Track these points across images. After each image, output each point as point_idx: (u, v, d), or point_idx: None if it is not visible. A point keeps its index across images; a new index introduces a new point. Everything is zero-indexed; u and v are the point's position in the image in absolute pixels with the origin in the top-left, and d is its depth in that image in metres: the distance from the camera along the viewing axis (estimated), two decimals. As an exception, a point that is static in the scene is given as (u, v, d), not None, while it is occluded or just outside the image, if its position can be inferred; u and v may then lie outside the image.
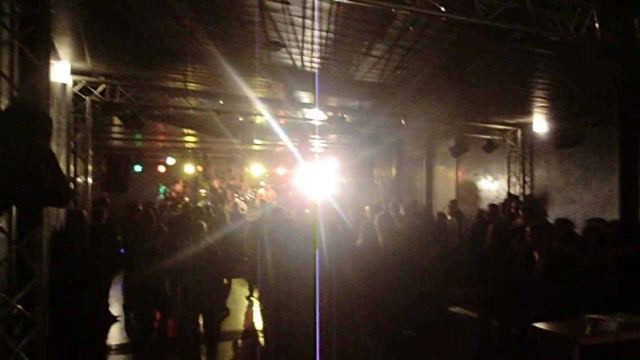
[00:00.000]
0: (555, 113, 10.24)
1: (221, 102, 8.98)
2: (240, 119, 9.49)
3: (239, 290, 8.85)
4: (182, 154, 15.48)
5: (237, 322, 7.64)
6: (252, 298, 8.59)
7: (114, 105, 8.38)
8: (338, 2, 4.84)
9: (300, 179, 13.12)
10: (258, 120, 10.35)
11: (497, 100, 9.38)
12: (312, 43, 6.14)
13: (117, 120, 9.95)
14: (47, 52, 3.27)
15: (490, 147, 11.74)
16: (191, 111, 9.43)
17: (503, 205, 10.72)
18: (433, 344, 6.18)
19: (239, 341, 6.94)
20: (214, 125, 10.10)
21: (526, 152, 11.79)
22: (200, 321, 6.15)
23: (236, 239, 8.35)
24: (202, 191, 14.91)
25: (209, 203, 9.24)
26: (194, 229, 6.18)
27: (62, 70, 6.52)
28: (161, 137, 13.86)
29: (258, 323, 7.42)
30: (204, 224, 6.41)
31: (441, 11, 4.67)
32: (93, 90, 7.98)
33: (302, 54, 6.58)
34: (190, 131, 12.59)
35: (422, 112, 10.88)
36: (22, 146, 2.78)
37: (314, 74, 7.43)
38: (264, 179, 16.40)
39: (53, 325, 4.10)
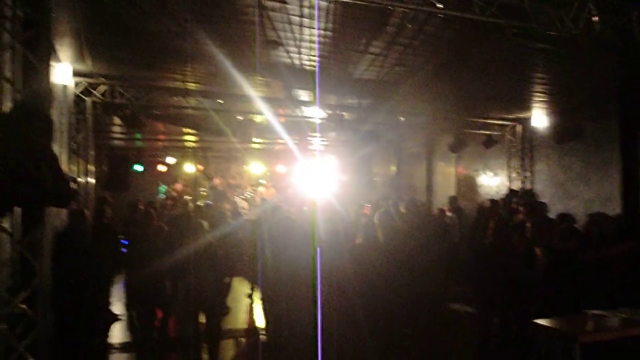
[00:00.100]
0: (555, 107, 10.20)
1: (220, 101, 9.02)
2: (239, 117, 9.52)
3: (240, 289, 8.90)
4: (182, 153, 15.53)
5: (238, 320, 7.68)
6: (252, 296, 8.64)
7: (114, 106, 8.45)
8: (335, 1, 4.86)
9: (300, 176, 13.14)
10: (257, 118, 10.38)
11: (496, 95, 9.38)
12: (310, 41, 6.17)
13: (117, 121, 10.00)
14: (47, 54, 3.32)
15: (489, 142, 11.72)
16: (190, 110, 9.47)
17: (503, 201, 10.65)
18: (433, 341, 6.17)
19: (240, 340, 6.98)
20: (213, 124, 10.14)
21: (526, 147, 11.74)
22: (201, 320, 6.19)
23: (236, 237, 8.39)
24: (202, 190, 14.93)
25: (209, 202, 9.25)
26: (194, 228, 6.22)
27: (63, 72, 6.58)
28: (161, 137, 13.90)
29: (259, 321, 7.46)
30: (204, 223, 6.46)
31: (438, 8, 4.71)
32: (93, 91, 8.06)
33: (300, 53, 6.62)
34: (189, 130, 12.63)
35: (421, 108, 10.89)
36: (24, 147, 2.83)
37: (312, 72, 7.46)
38: (264, 177, 16.43)
39: (55, 324, 4.15)
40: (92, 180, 8.67)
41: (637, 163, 7.10)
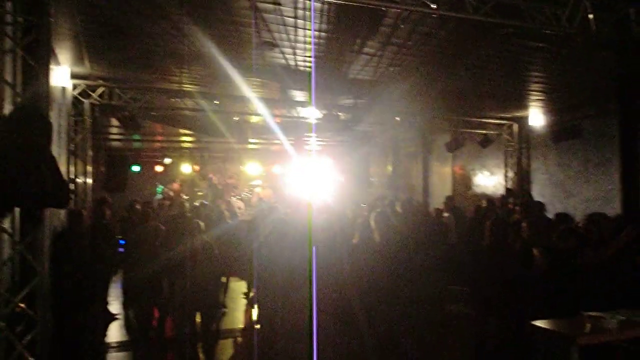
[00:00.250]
0: (552, 106, 10.13)
1: (216, 102, 9.09)
2: (236, 118, 9.58)
3: (237, 288, 8.96)
4: (179, 153, 15.59)
5: (234, 319, 7.73)
6: (249, 296, 8.69)
7: (112, 108, 8.53)
8: (329, 2, 4.92)
9: (297, 177, 13.20)
10: (254, 119, 10.45)
11: (492, 94, 9.37)
12: (305, 42, 6.22)
13: (116, 122, 10.07)
14: (47, 58, 3.39)
15: (486, 142, 11.67)
16: (187, 112, 9.54)
17: (500, 201, 10.62)
18: (430, 342, 6.16)
19: (236, 339, 7.03)
20: (210, 125, 10.20)
21: (523, 146, 11.70)
22: (198, 319, 6.26)
23: (233, 237, 8.44)
24: (198, 190, 15.00)
25: (205, 202, 9.31)
26: (191, 228, 6.28)
27: (62, 75, 6.68)
28: (158, 138, 13.96)
29: (255, 321, 7.52)
30: (201, 223, 6.53)
31: (431, 8, 4.72)
32: (92, 93, 8.13)
33: (295, 54, 6.68)
34: (186, 131, 12.69)
35: (417, 108, 10.93)
36: (24, 149, 2.90)
37: (308, 72, 7.52)
38: (261, 178, 16.50)
39: (54, 323, 4.22)
40: (90, 181, 8.73)
41: (638, 161, 6.99)
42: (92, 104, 8.27)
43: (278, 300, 6.35)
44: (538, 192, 11.12)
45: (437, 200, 13.43)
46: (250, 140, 12.18)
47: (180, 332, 6.36)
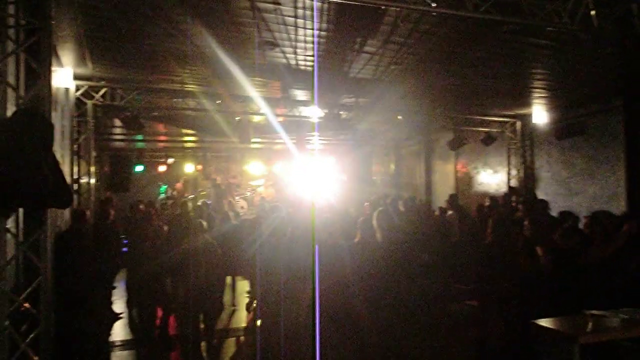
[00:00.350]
0: (556, 103, 10.05)
1: (218, 102, 9.12)
2: (238, 118, 9.62)
3: (240, 287, 8.99)
4: (182, 153, 15.67)
5: (238, 318, 7.76)
6: (251, 295, 8.71)
7: (114, 108, 8.58)
8: (329, 1, 4.93)
9: (299, 176, 13.23)
10: (256, 118, 10.48)
11: (495, 92, 9.31)
12: (306, 41, 6.23)
13: (119, 122, 10.14)
14: (48, 60, 3.42)
15: (488, 139, 11.63)
16: (189, 111, 9.58)
17: (504, 199, 10.55)
18: (432, 341, 6.15)
19: (239, 338, 7.07)
20: (212, 124, 10.24)
21: (526, 144, 11.65)
22: (201, 318, 6.29)
23: (236, 236, 8.47)
24: (201, 190, 15.07)
25: (208, 201, 9.38)
26: (194, 228, 6.31)
27: (65, 76, 6.74)
28: (161, 138, 14.03)
29: (257, 320, 7.54)
30: (204, 222, 6.56)
31: (431, 6, 4.70)
32: (94, 94, 8.19)
33: (295, 53, 6.70)
34: (189, 131, 12.75)
35: (419, 106, 10.93)
36: (26, 151, 2.94)
37: (309, 71, 7.53)
38: (263, 177, 16.56)
39: (59, 322, 4.27)
40: (93, 181, 8.80)
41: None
42: (94, 105, 8.33)
43: (281, 300, 6.36)
44: (541, 190, 11.05)
45: (440, 198, 13.42)
46: (253, 139, 12.20)
47: (183, 331, 6.39)
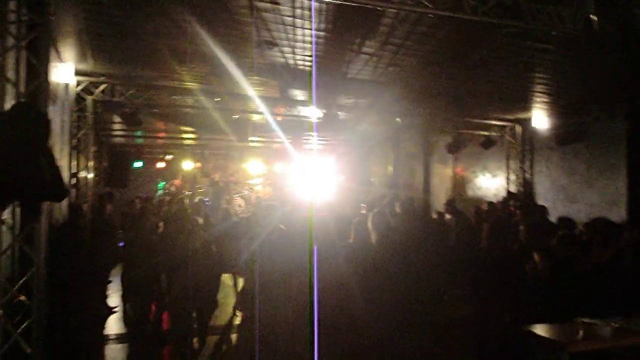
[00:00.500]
0: (557, 108, 9.97)
1: (217, 99, 9.17)
2: (236, 116, 9.67)
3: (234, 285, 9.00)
4: (181, 150, 15.73)
5: (231, 316, 7.77)
6: (239, 290, 8.71)
7: (114, 104, 8.64)
8: (327, 2, 4.96)
9: (297, 176, 13.27)
10: (255, 117, 10.53)
11: (494, 95, 9.28)
12: (304, 41, 6.26)
13: (118, 118, 10.19)
14: (47, 56, 3.48)
15: (487, 143, 11.58)
16: (188, 109, 9.63)
17: (502, 203, 10.46)
18: (428, 344, 6.19)
19: (232, 335, 7.10)
20: (211, 122, 10.29)
21: (526, 148, 11.57)
22: (194, 314, 6.34)
23: (232, 234, 8.51)
24: (199, 187, 15.12)
25: (206, 199, 9.43)
26: (189, 225, 6.37)
27: (66, 72, 6.80)
28: (160, 134, 14.08)
29: (249, 317, 7.56)
30: (199, 220, 6.62)
31: (428, 8, 4.70)
32: (95, 89, 8.24)
33: (294, 53, 6.74)
34: (188, 128, 12.80)
35: (418, 109, 10.93)
36: (22, 145, 3.00)
37: (307, 71, 7.56)
38: (261, 176, 16.61)
39: (53, 314, 4.31)
40: (91, 176, 8.85)
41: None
42: (94, 100, 8.38)
43: (278, 299, 6.38)
44: (540, 196, 10.98)
45: (438, 201, 13.43)
46: (251, 138, 12.24)
47: (177, 327, 6.44)
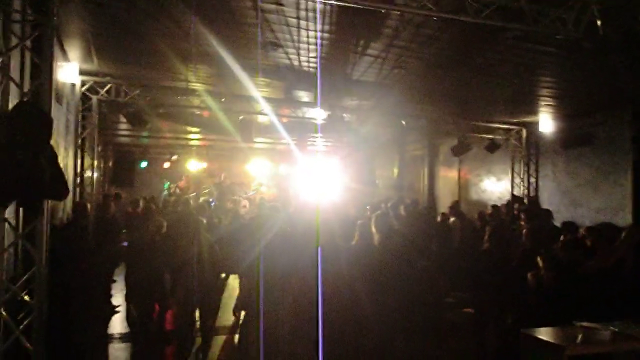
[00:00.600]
0: (563, 111, 9.93)
1: (223, 99, 9.19)
2: (240, 117, 9.69)
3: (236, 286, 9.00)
4: (186, 150, 15.79)
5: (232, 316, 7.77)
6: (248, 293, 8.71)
7: (118, 104, 8.68)
8: (330, 4, 4.95)
9: (302, 177, 13.28)
10: (260, 118, 10.54)
11: (500, 98, 9.26)
12: (308, 43, 6.27)
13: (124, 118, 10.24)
14: (50, 55, 3.49)
15: (492, 147, 11.54)
16: (193, 109, 9.67)
17: (506, 207, 10.48)
18: (429, 347, 6.17)
19: (235, 336, 7.09)
20: (215, 123, 10.32)
21: (531, 152, 11.53)
22: (197, 315, 6.34)
23: (236, 235, 8.50)
24: (205, 188, 15.15)
25: (211, 199, 9.45)
26: (193, 225, 6.36)
27: (71, 71, 6.87)
28: (166, 135, 14.15)
29: (253, 318, 7.54)
30: (204, 220, 6.61)
31: (432, 10, 4.69)
32: (100, 89, 8.29)
33: (299, 54, 6.74)
34: (193, 129, 12.84)
35: (423, 111, 10.92)
36: (24, 144, 3.02)
37: (312, 73, 7.56)
38: (266, 177, 16.64)
39: (55, 313, 4.33)
40: (96, 175, 8.90)
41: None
42: (99, 100, 8.44)
43: (282, 300, 6.36)
44: (545, 200, 10.94)
45: (443, 204, 13.40)
46: (257, 139, 12.27)
47: (180, 327, 6.44)
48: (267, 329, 6.57)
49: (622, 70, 6.54)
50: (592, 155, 9.69)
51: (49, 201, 3.60)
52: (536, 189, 11.43)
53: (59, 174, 3.23)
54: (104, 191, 9.66)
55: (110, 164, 11.30)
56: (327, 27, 5.79)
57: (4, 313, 3.37)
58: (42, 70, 3.40)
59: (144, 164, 13.92)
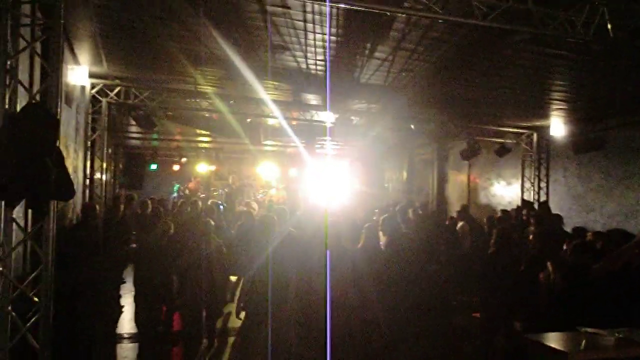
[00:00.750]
0: (574, 116, 9.80)
1: (231, 102, 9.24)
2: (248, 120, 9.74)
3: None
4: (196, 153, 15.89)
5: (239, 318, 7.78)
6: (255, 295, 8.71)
7: (128, 106, 8.77)
8: (337, 7, 4.96)
9: (311, 180, 13.29)
10: (270, 121, 10.58)
11: (510, 102, 9.18)
12: (315, 46, 6.29)
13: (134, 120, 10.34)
14: (57, 58, 3.53)
15: (502, 151, 11.45)
16: (202, 112, 9.73)
17: (516, 212, 10.32)
18: (437, 351, 6.13)
19: (242, 337, 7.09)
20: (224, 125, 10.38)
21: (542, 156, 11.42)
22: (205, 316, 6.36)
23: (245, 237, 8.50)
24: (214, 190, 15.23)
25: (219, 202, 9.49)
26: (202, 227, 6.40)
27: (81, 74, 6.96)
28: (176, 137, 14.27)
29: (260, 319, 7.54)
30: (212, 222, 6.64)
31: (438, 13, 4.66)
32: (109, 92, 8.38)
33: (306, 57, 6.76)
34: (202, 131, 12.93)
35: (431, 114, 10.88)
36: (31, 145, 3.06)
37: (320, 76, 7.57)
38: (276, 180, 16.68)
39: (63, 312, 4.38)
40: (106, 177, 8.99)
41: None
42: (109, 103, 8.53)
43: (289, 302, 6.34)
44: (556, 205, 10.79)
45: (452, 207, 13.34)
46: (266, 142, 12.31)
47: (188, 328, 6.48)
48: (275, 331, 6.59)
49: (633, 74, 6.46)
50: (604, 160, 9.57)
51: (58, 202, 3.65)
52: (547, 193, 11.30)
53: (65, 175, 3.27)
54: (114, 193, 9.73)
55: (121, 166, 11.40)
56: (334, 30, 5.79)
57: (11, 311, 3.40)
58: (50, 72, 3.44)
59: (154, 167, 14.04)
